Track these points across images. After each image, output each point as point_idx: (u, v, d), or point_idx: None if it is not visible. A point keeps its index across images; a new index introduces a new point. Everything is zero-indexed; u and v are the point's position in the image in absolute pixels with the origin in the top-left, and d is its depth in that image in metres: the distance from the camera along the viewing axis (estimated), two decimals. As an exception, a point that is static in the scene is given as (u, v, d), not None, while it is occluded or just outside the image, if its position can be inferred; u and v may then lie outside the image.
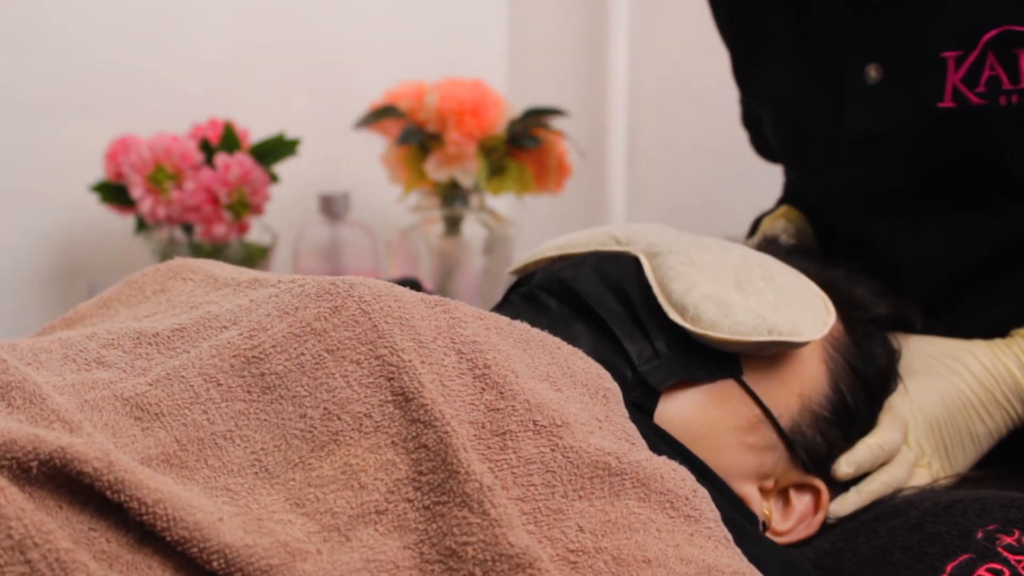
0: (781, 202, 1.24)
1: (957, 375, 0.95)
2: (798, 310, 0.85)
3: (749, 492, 0.85)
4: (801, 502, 0.89)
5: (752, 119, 1.25)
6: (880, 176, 1.02)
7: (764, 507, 0.86)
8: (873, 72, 1.00)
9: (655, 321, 0.85)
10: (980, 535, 0.78)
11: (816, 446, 0.88)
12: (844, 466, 0.89)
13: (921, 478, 0.93)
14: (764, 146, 1.26)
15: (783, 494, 0.89)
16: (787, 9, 1.08)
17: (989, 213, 0.99)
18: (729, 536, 0.69)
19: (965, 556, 0.76)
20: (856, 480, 0.90)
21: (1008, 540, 0.77)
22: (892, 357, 0.96)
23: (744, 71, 1.17)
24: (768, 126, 1.15)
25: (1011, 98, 0.93)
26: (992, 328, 0.99)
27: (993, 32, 0.93)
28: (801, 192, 1.20)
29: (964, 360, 0.95)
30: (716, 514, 0.70)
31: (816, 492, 0.89)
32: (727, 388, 0.85)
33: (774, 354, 0.86)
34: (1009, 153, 0.96)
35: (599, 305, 0.86)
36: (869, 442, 0.90)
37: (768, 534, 0.86)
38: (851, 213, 1.07)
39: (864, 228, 1.06)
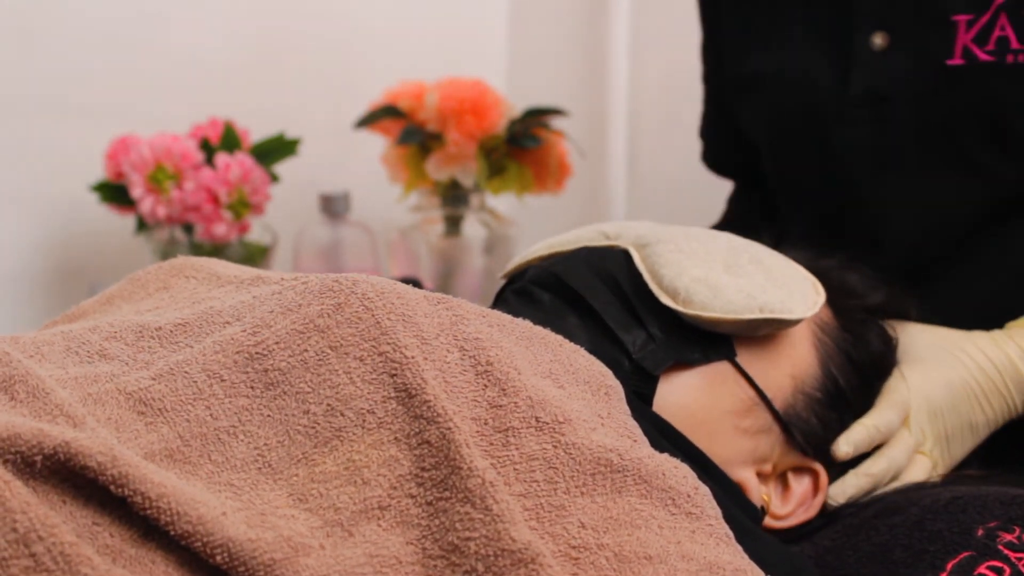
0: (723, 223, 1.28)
1: (961, 364, 0.95)
2: (788, 290, 0.86)
3: (747, 477, 0.86)
4: (800, 485, 0.89)
5: (713, 128, 1.28)
6: (884, 134, 1.04)
7: (763, 492, 0.87)
8: (879, 40, 1.02)
9: (647, 308, 0.86)
10: (981, 532, 0.78)
11: (811, 428, 0.88)
12: (843, 445, 0.89)
13: (920, 465, 0.93)
14: (719, 158, 1.29)
15: (781, 478, 0.89)
16: None
17: (984, 174, 1.01)
18: (730, 533, 0.69)
19: (966, 554, 0.77)
20: (854, 464, 0.90)
21: (1009, 537, 0.77)
22: (887, 343, 0.96)
23: (744, 50, 1.17)
24: (756, 110, 1.16)
25: (1018, 57, 0.96)
26: (980, 298, 1.01)
27: None
28: (751, 204, 1.23)
29: (967, 349, 0.96)
30: (717, 511, 0.70)
31: (814, 475, 0.89)
32: (722, 371, 0.86)
33: (766, 335, 0.87)
34: (1011, 110, 0.98)
35: (591, 296, 0.87)
36: (866, 423, 0.90)
37: (768, 518, 0.87)
38: (850, 175, 1.08)
39: (859, 190, 1.08)
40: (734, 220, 1.27)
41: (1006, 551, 0.76)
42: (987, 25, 0.97)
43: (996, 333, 0.97)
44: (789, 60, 1.10)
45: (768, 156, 1.18)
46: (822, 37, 1.08)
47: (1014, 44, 0.96)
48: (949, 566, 0.76)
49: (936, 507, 0.81)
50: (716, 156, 1.29)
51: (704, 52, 1.25)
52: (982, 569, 0.75)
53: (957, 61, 0.98)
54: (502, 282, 0.99)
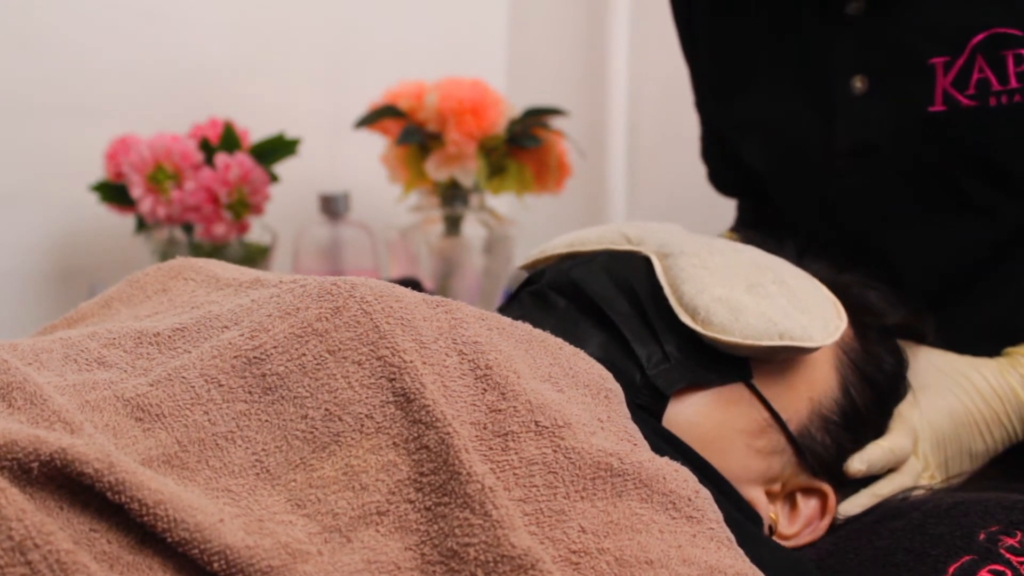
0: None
1: (965, 392, 0.95)
2: (810, 315, 0.85)
3: (755, 496, 0.85)
4: (808, 506, 0.88)
5: (713, 152, 1.26)
6: (877, 183, 1.03)
7: (770, 511, 0.86)
8: (859, 83, 1.01)
9: (665, 323, 0.85)
10: (982, 536, 0.78)
11: (825, 449, 0.88)
12: (857, 463, 0.88)
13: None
14: (724, 180, 1.28)
15: (790, 498, 0.88)
16: (769, 30, 1.09)
17: (984, 213, 1.00)
18: (732, 537, 0.69)
19: (967, 557, 0.76)
20: (865, 483, 0.90)
21: (1010, 541, 0.77)
22: (901, 364, 0.96)
23: (726, 96, 1.17)
24: (751, 151, 1.16)
25: (1000, 99, 0.95)
26: (990, 327, 1.00)
27: (981, 36, 0.94)
28: (760, 219, 1.22)
29: (972, 378, 0.96)
30: (719, 515, 0.70)
31: (823, 496, 0.89)
32: (736, 392, 0.85)
33: (784, 359, 0.86)
34: (1002, 152, 0.97)
35: (608, 306, 0.86)
36: (882, 444, 0.90)
37: (774, 538, 0.86)
38: (849, 222, 1.07)
39: (862, 236, 1.06)
40: (743, 227, 1.26)
41: (1007, 555, 0.76)
42: (964, 68, 0.95)
43: (1001, 361, 0.97)
44: (772, 108, 1.09)
45: (773, 196, 1.17)
46: (801, 82, 1.06)
47: (995, 86, 0.95)
48: (951, 570, 0.76)
49: (938, 511, 0.81)
50: (720, 179, 1.28)
51: (693, 83, 1.25)
52: (983, 573, 0.75)
53: (939, 108, 0.97)
54: (502, 282, 0.99)
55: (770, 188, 1.16)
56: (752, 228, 1.22)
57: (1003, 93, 0.94)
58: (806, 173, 1.08)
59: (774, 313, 0.84)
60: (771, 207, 1.21)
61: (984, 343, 0.99)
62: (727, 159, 1.23)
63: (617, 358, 0.82)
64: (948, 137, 0.98)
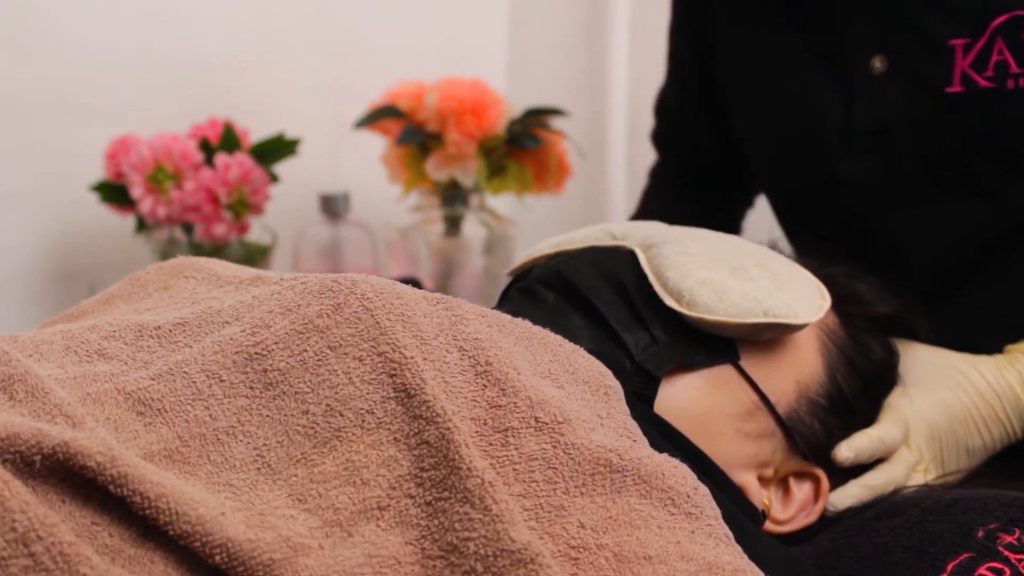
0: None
1: (962, 388, 0.95)
2: (794, 295, 0.86)
3: (748, 481, 0.85)
4: (801, 490, 0.89)
5: (667, 108, 1.33)
6: (890, 164, 1.04)
7: (763, 496, 0.86)
8: (878, 63, 1.03)
9: (652, 310, 0.85)
10: (981, 534, 0.78)
11: (814, 433, 0.88)
12: (844, 450, 0.89)
13: (917, 483, 0.93)
14: (668, 139, 1.36)
15: (783, 483, 0.89)
16: (788, 10, 1.10)
17: (993, 197, 1.02)
18: (730, 534, 0.69)
19: (966, 555, 0.77)
20: (856, 474, 0.90)
21: (1009, 539, 0.77)
22: (891, 354, 0.96)
23: (740, 64, 1.18)
24: (760, 134, 1.16)
25: (1019, 81, 0.96)
26: (992, 316, 1.02)
27: (1002, 18, 0.96)
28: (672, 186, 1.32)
29: (969, 374, 0.96)
30: (717, 512, 0.70)
31: (816, 480, 0.89)
32: (725, 374, 0.85)
33: (770, 340, 0.87)
34: (1015, 135, 0.98)
35: (596, 296, 0.86)
36: (870, 433, 0.90)
37: (768, 523, 0.87)
38: (857, 204, 1.08)
39: (868, 219, 1.07)
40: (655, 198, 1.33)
41: (1006, 552, 0.76)
42: (984, 49, 0.97)
43: (999, 358, 0.97)
44: (790, 83, 1.11)
45: (774, 182, 1.18)
46: (819, 62, 1.08)
47: (1013, 68, 0.96)
48: (950, 567, 0.76)
49: (936, 508, 0.81)
50: (662, 137, 1.35)
51: (673, 39, 1.28)
52: (982, 570, 0.75)
53: (956, 88, 0.99)
54: (502, 282, 0.99)
55: (775, 174, 1.17)
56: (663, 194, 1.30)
57: (1021, 76, 0.96)
58: (818, 154, 1.09)
59: (758, 293, 0.84)
60: (723, 190, 1.26)
61: (986, 334, 0.99)
62: (676, 147, 1.31)
63: (607, 347, 0.83)
64: (963, 118, 0.99)
